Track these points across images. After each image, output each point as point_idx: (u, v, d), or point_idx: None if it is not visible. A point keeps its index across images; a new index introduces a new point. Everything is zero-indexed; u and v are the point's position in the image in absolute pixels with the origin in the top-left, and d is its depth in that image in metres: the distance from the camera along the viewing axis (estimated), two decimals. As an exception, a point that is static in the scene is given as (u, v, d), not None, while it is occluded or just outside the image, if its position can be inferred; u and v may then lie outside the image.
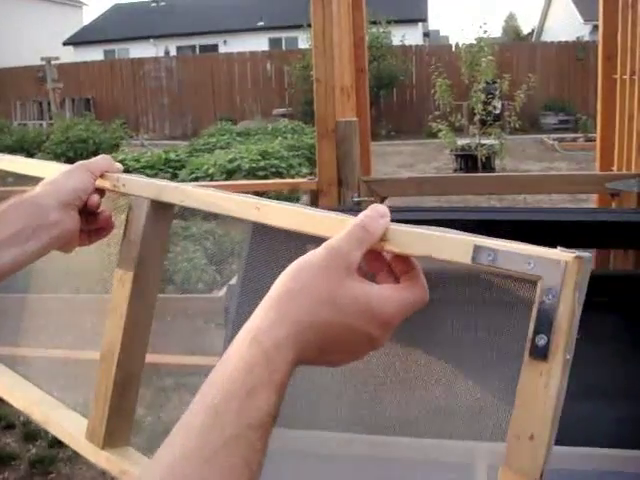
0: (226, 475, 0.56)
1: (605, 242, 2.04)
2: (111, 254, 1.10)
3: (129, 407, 1.11)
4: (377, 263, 0.72)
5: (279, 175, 8.09)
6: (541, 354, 0.62)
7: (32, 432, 3.53)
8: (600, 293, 2.01)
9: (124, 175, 1.05)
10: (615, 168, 5.21)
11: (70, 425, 1.17)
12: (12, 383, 1.33)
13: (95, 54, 26.22)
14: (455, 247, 0.67)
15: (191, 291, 5.76)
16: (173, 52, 26.78)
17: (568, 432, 1.92)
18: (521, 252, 0.63)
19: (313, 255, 0.67)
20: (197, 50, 27.49)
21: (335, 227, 0.72)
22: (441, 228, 0.70)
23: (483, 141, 10.56)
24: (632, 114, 4.74)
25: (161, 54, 25.34)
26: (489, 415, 1.84)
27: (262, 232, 1.87)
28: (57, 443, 3.47)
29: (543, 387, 0.62)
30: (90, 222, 1.03)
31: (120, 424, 1.10)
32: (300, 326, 0.63)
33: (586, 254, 0.61)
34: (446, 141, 10.26)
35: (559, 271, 0.60)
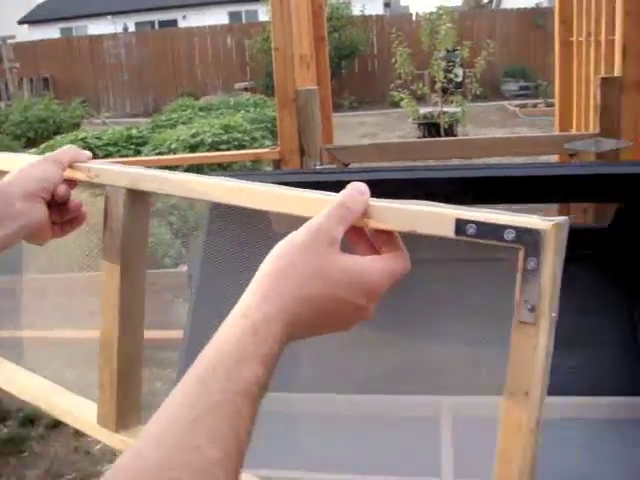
0: (211, 437, 0.56)
1: (547, 196, 2.08)
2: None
3: (135, 390, 1.14)
4: (357, 237, 0.73)
5: (242, 148, 8.05)
6: (529, 319, 0.67)
7: (1, 412, 3.53)
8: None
9: (96, 165, 1.03)
10: (574, 129, 5.28)
11: (80, 412, 1.19)
12: (10, 372, 1.33)
13: (51, 32, 25.75)
14: (437, 222, 0.69)
15: (158, 266, 5.75)
16: (132, 28, 26.38)
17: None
18: (502, 222, 0.65)
19: (296, 235, 0.68)
20: (156, 26, 27.11)
21: (320, 207, 0.72)
22: (417, 201, 0.72)
23: (445, 109, 10.61)
24: (589, 75, 4.80)
25: (120, 31, 24.95)
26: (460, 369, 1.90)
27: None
28: (29, 422, 3.48)
29: (533, 349, 0.68)
30: (62, 213, 1.01)
31: (129, 407, 1.13)
32: (288, 301, 0.65)
33: (563, 219, 0.64)
34: (408, 110, 10.29)
35: (539, 239, 0.64)
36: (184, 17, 26.55)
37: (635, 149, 3.98)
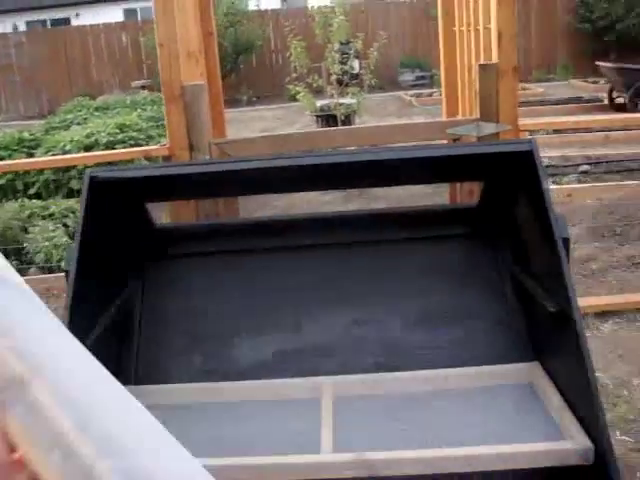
0: None
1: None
2: None
3: None
4: None
5: (138, 147, 7.97)
6: None
7: None
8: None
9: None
10: (460, 115, 5.45)
11: None
12: None
13: None
14: None
15: (54, 270, 5.63)
16: (23, 28, 25.53)
17: (409, 358, 2.06)
18: None
19: None
20: (48, 24, 26.33)
21: None
22: None
23: (342, 100, 10.72)
24: (471, 63, 4.96)
25: (9, 30, 24.12)
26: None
27: (97, 198, 1.89)
28: None
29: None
30: None
31: None
32: None
33: None
34: (305, 103, 10.36)
35: None
36: (77, 15, 25.87)
37: (514, 132, 4.15)
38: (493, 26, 4.18)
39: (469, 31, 5.04)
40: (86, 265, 1.85)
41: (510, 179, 1.96)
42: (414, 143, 4.57)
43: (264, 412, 1.87)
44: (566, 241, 1.76)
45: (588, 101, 14.22)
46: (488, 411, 1.84)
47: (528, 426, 1.76)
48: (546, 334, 1.90)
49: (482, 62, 4.33)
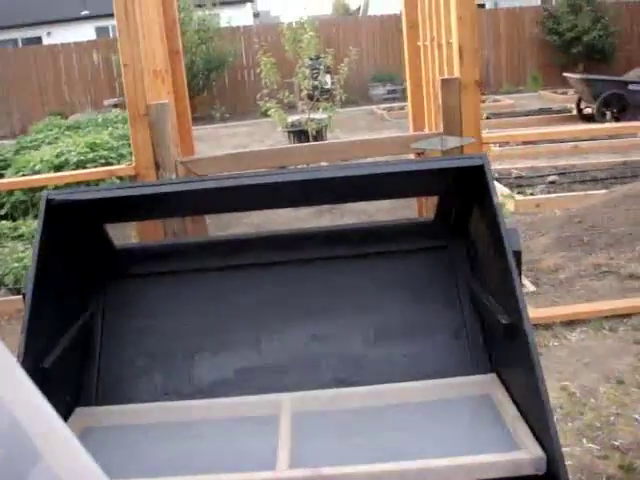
0: None
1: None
2: None
3: None
4: None
5: (109, 166, 7.95)
6: None
7: None
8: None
9: None
10: (427, 129, 5.50)
11: None
12: None
13: None
14: None
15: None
16: (-8, 47, 25.41)
17: (368, 372, 2.07)
18: None
19: None
20: (19, 44, 26.22)
21: None
22: None
23: (313, 116, 10.77)
24: (435, 77, 5.02)
25: (-22, 50, 23.97)
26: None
27: (54, 220, 1.89)
28: None
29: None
30: None
31: None
32: None
33: None
34: (276, 119, 10.40)
35: None
36: (49, 34, 25.80)
37: (478, 145, 4.21)
38: (455, 41, 4.24)
39: (432, 45, 5.11)
40: (43, 287, 1.86)
41: (463, 193, 2.00)
42: (380, 158, 4.62)
43: (222, 430, 1.88)
44: (517, 254, 1.79)
45: (558, 112, 14.40)
46: (445, 424, 1.86)
47: (484, 437, 1.79)
48: (501, 346, 1.93)
49: (444, 76, 4.38)
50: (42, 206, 1.92)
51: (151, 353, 2.15)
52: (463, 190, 1.98)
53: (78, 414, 1.94)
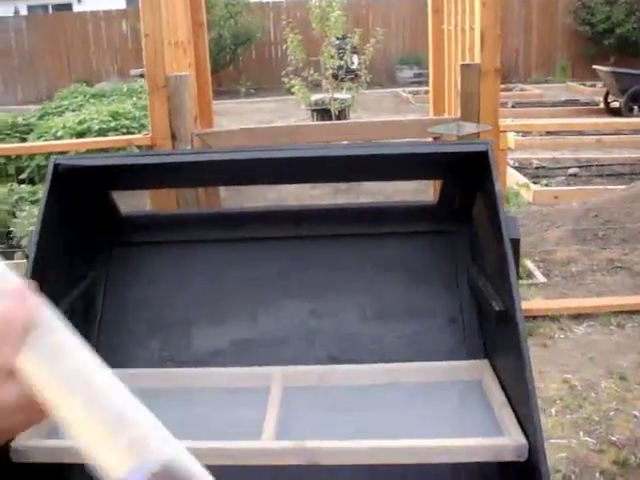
0: None
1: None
2: None
3: None
4: None
5: (130, 135, 7.99)
6: None
7: None
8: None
9: None
10: (447, 114, 5.48)
11: None
12: None
13: None
14: None
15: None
16: (24, 12, 25.50)
17: (362, 351, 2.10)
18: None
19: None
20: (50, 9, 26.30)
21: None
22: None
23: (337, 95, 10.76)
24: (457, 62, 4.99)
25: (10, 14, 24.09)
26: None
27: (60, 185, 1.92)
28: None
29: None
30: None
31: None
32: None
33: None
34: (300, 97, 10.39)
35: None
36: (79, 0, 25.86)
37: (494, 132, 4.19)
38: (477, 26, 4.22)
39: (456, 30, 5.08)
40: (46, 250, 1.89)
41: (467, 179, 2.00)
42: (399, 140, 4.61)
43: (213, 399, 1.91)
44: (515, 242, 1.79)
45: (585, 104, 14.26)
46: (433, 406, 1.88)
47: (470, 422, 1.80)
48: (494, 333, 1.94)
49: (465, 62, 4.36)
50: (49, 170, 1.95)
51: (150, 321, 2.18)
52: (467, 176, 1.99)
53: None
